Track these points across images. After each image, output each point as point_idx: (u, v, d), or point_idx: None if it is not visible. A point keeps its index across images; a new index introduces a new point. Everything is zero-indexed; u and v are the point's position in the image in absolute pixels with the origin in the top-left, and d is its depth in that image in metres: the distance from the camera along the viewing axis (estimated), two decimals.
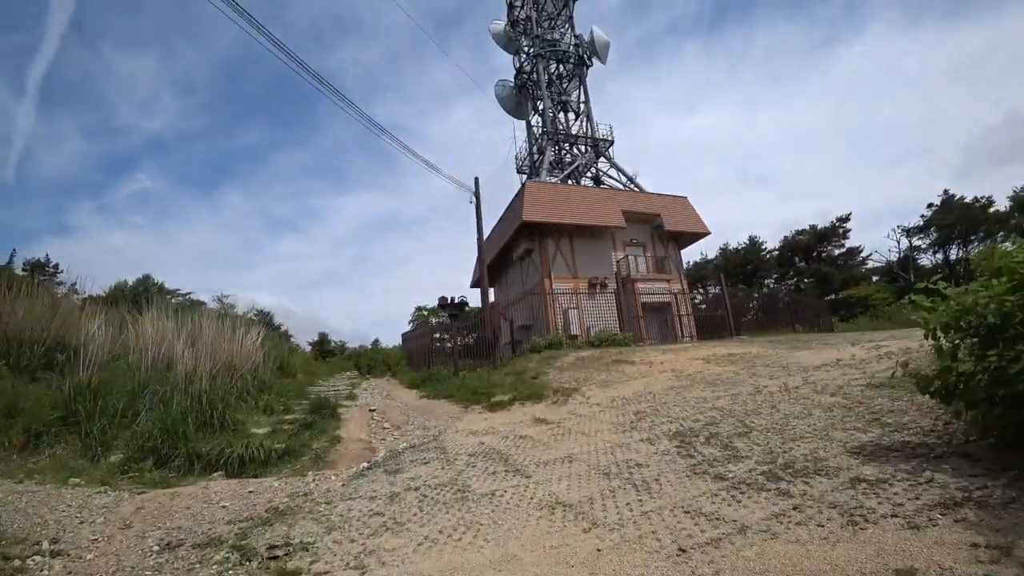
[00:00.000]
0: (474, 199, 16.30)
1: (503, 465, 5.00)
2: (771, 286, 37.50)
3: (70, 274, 26.29)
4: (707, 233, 24.44)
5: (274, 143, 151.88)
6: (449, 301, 13.48)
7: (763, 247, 39.27)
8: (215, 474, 6.10)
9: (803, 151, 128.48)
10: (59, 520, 4.53)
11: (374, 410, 10.12)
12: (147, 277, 25.45)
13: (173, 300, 24.44)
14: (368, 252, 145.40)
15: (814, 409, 5.68)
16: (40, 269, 26.38)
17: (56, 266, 27.49)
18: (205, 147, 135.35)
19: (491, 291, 19.89)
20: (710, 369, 9.62)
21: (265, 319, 26.95)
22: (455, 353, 13.77)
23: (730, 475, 3.95)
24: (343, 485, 4.99)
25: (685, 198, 24.74)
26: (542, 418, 7.27)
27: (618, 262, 21.16)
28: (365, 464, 5.91)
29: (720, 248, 42.17)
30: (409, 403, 10.96)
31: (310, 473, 5.76)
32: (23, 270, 24.52)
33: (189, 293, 28.17)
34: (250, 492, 5.09)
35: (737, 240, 48.22)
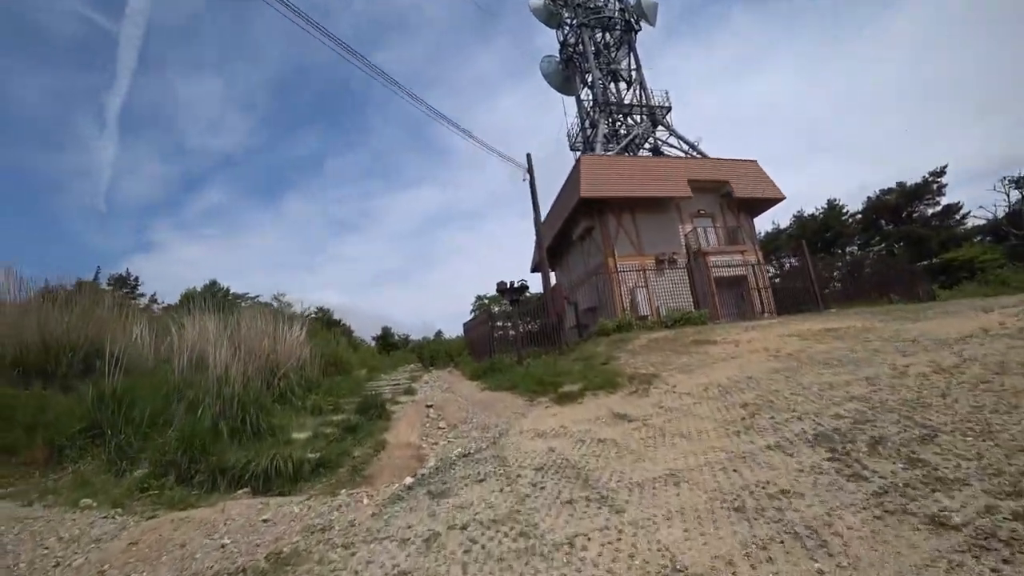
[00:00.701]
0: (527, 176, 14.90)
1: (581, 488, 3.61)
2: (855, 253, 33.56)
3: (149, 287, 27.31)
4: (781, 198, 21.78)
5: (330, 149, 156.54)
6: (508, 286, 12.22)
7: (844, 211, 35.03)
8: (240, 491, 5.10)
9: (872, 112, 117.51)
10: (33, 561, 3.62)
11: (431, 406, 9.04)
12: (214, 283, 25.81)
13: (244, 304, 24.73)
14: (428, 247, 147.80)
15: (1019, 399, 3.93)
16: (122, 283, 27.50)
17: (136, 279, 28.57)
18: (268, 158, 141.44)
19: (552, 274, 18.48)
20: (813, 347, 7.85)
21: (324, 316, 26.81)
22: (518, 340, 12.50)
23: (955, 517, 2.38)
24: (373, 515, 3.77)
25: (754, 162, 22.18)
26: (622, 413, 5.82)
27: (686, 235, 19.12)
28: (408, 480, 4.70)
29: (794, 216, 37.95)
30: (469, 396, 9.82)
31: (342, 492, 4.62)
32: (107, 285, 25.57)
33: (257, 296, 28.48)
34: (264, 521, 3.99)
35: (814, 206, 43.86)
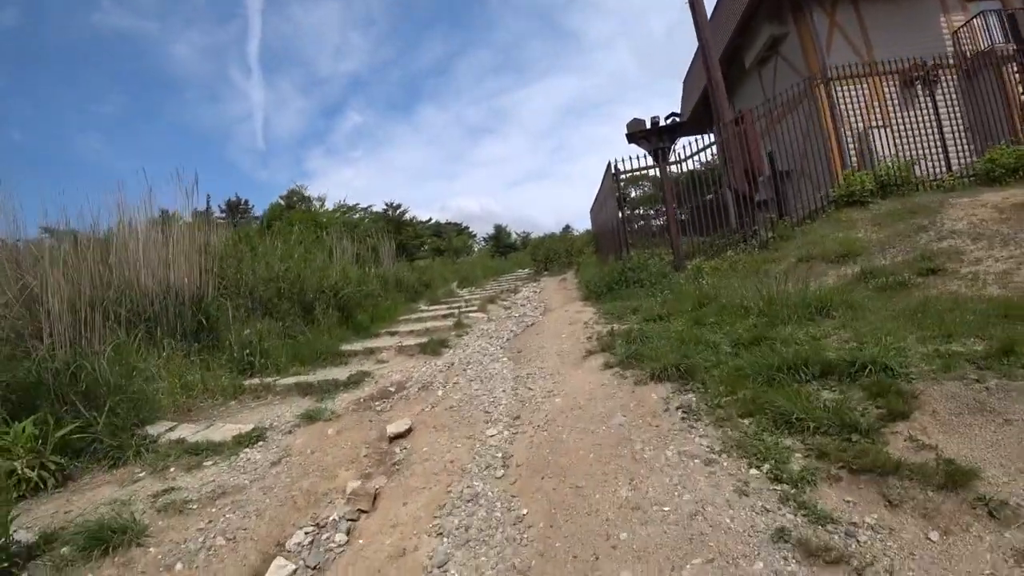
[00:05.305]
0: None
1: None
2: None
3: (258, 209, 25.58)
4: None
5: (455, 51, 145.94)
6: (652, 125, 6.04)
7: None
8: None
9: None
10: None
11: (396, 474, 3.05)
12: (292, 192, 22.28)
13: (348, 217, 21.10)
14: (563, 142, 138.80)
15: None
16: (235, 208, 25.82)
17: (246, 202, 26.73)
18: (396, 73, 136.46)
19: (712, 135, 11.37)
20: None
21: (394, 209, 22.24)
22: (672, 226, 6.43)
23: None
24: None
25: None
26: None
27: (955, 31, 10.55)
28: None
29: None
30: (548, 401, 3.17)
31: None
32: (221, 210, 24.07)
33: (370, 206, 24.68)
34: None
35: None
